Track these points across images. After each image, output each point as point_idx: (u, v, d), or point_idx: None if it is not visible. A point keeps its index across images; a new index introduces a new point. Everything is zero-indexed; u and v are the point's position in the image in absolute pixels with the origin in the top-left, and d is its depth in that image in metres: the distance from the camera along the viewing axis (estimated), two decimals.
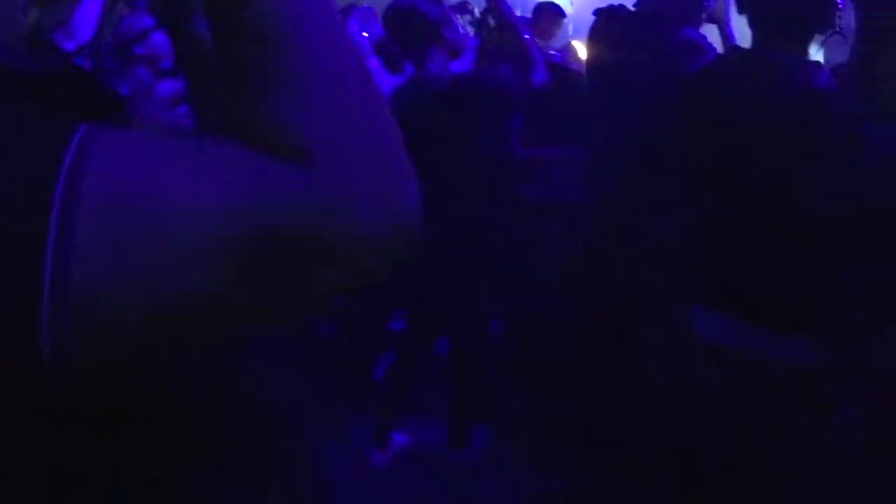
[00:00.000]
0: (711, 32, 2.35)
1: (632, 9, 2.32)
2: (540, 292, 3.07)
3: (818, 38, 1.77)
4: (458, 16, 3.29)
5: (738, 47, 2.00)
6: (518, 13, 3.36)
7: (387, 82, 2.57)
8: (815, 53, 1.91)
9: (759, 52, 1.76)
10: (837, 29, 1.76)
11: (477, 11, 3.49)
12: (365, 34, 3.13)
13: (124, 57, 1.43)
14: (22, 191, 0.40)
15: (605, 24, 2.35)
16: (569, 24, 5.22)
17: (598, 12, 2.38)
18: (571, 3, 5.66)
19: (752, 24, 1.79)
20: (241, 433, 0.64)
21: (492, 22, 2.71)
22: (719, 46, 2.30)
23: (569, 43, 4.76)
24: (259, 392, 0.71)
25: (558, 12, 4.81)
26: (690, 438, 2.04)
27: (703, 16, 2.24)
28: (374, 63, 2.59)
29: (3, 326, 0.40)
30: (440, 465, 2.88)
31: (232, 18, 0.47)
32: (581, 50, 3.80)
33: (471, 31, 3.47)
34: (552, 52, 4.17)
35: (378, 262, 0.49)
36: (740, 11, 1.83)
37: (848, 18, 1.71)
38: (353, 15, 3.40)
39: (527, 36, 2.62)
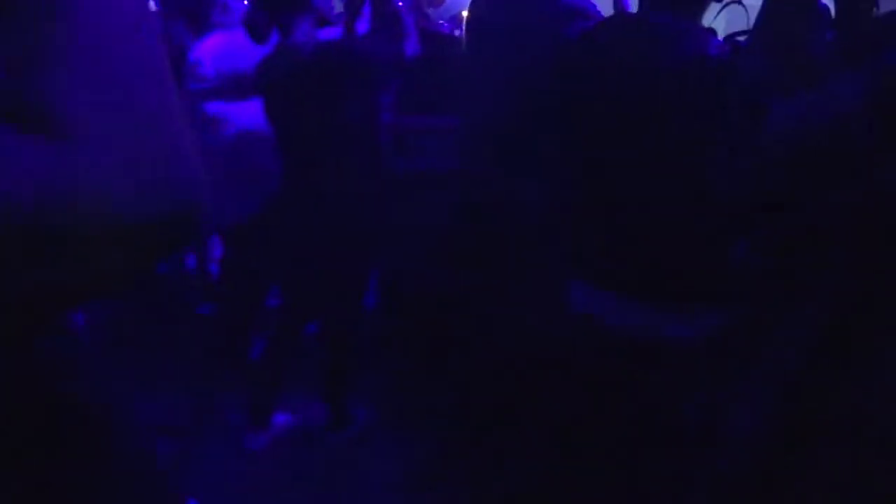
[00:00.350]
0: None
1: None
2: (415, 265, 3.04)
3: (714, 6, 1.71)
4: None
5: (624, 12, 1.93)
6: None
7: (253, 54, 2.46)
8: (713, 21, 1.84)
9: (645, 16, 1.70)
10: None
11: None
12: None
13: None
14: None
15: None
16: None
17: None
18: None
19: None
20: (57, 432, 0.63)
21: None
22: None
23: (459, 13, 4.70)
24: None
25: None
26: (564, 408, 2.04)
27: None
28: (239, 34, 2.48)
29: None
30: (319, 447, 2.83)
31: None
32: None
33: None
34: (441, 22, 4.10)
35: (144, 249, 0.46)
36: None
37: None
38: None
39: (400, 4, 2.54)
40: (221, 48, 2.66)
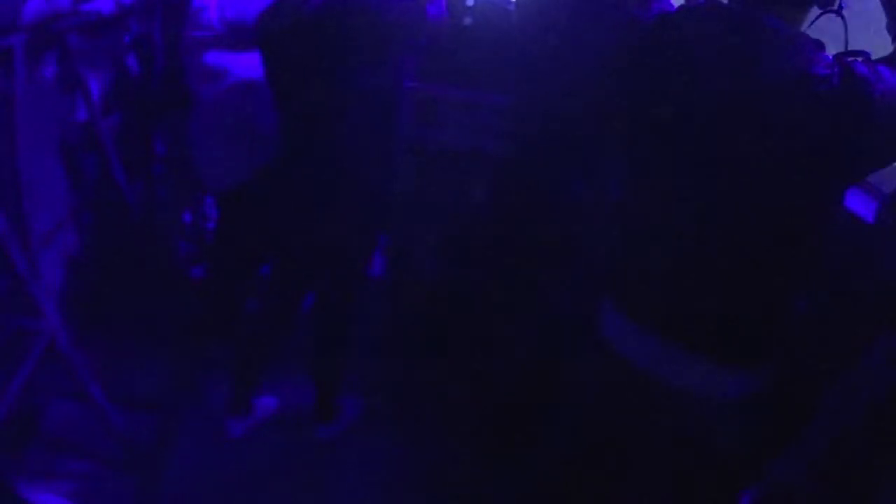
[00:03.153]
0: None
1: None
2: (426, 247, 2.78)
3: (813, 12, 1.41)
4: None
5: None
6: None
7: (263, 2, 2.18)
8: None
9: (742, 11, 1.37)
10: (836, 7, 1.40)
11: None
12: None
13: None
14: None
15: None
16: None
17: None
18: None
19: None
20: None
21: None
22: None
23: None
24: None
25: None
26: (565, 431, 1.82)
27: None
28: None
29: None
30: (302, 437, 2.62)
31: None
32: None
33: None
34: None
35: None
36: None
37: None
38: None
39: None
40: None
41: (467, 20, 2.84)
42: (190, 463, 2.46)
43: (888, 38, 1.46)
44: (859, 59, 1.35)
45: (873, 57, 1.39)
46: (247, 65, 2.33)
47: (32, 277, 2.24)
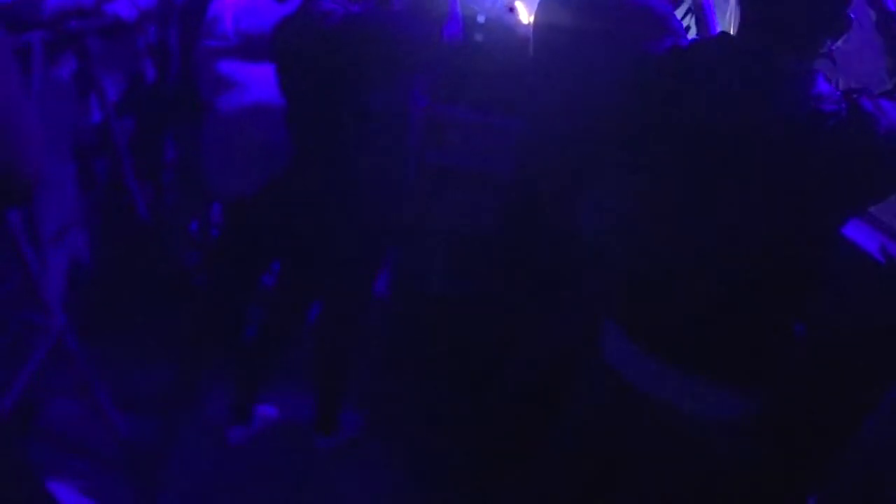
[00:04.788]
0: None
1: None
2: (431, 265, 2.81)
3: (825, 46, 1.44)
4: None
5: (726, 35, 1.54)
6: None
7: (278, 13, 2.21)
8: None
9: (752, 48, 1.40)
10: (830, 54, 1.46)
11: None
12: None
13: None
14: None
15: None
16: None
17: None
18: None
19: (747, 17, 1.43)
20: None
21: None
22: None
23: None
24: None
25: None
26: (567, 446, 1.84)
27: None
28: None
29: None
30: (300, 450, 2.63)
31: None
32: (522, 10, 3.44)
33: None
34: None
35: None
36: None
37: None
38: None
39: None
40: (243, 4, 2.41)
41: (478, 37, 2.88)
42: (188, 467, 2.47)
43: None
44: (863, 94, 1.39)
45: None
46: (261, 77, 2.35)
47: (41, 276, 2.26)
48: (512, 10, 3.56)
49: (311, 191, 2.24)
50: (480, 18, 2.88)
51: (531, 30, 2.30)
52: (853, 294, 1.86)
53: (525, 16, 2.92)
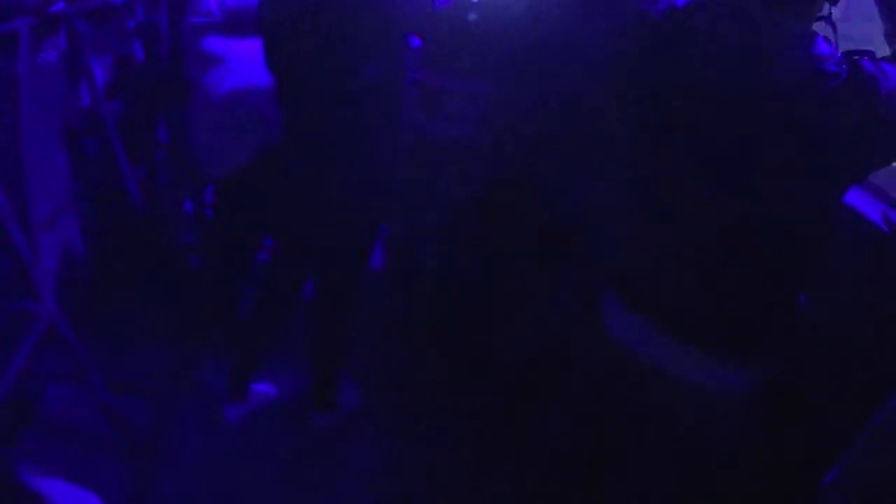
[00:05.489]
0: None
1: None
2: (426, 237, 2.77)
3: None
4: None
5: None
6: None
7: None
8: None
9: (754, 5, 1.36)
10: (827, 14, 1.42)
11: None
12: None
13: None
14: None
15: None
16: None
17: None
18: None
19: None
20: None
21: None
22: None
23: None
24: None
25: None
26: (567, 424, 1.82)
27: None
28: None
29: None
30: (297, 429, 2.62)
31: None
32: None
33: None
34: None
35: None
36: None
37: None
38: None
39: None
40: None
41: (472, 16, 2.82)
42: (187, 448, 2.47)
43: None
44: (865, 57, 1.35)
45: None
46: (246, 51, 2.31)
47: (33, 261, 2.24)
48: None
49: (303, 166, 2.21)
50: None
51: None
52: (856, 262, 1.83)
53: None
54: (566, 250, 2.22)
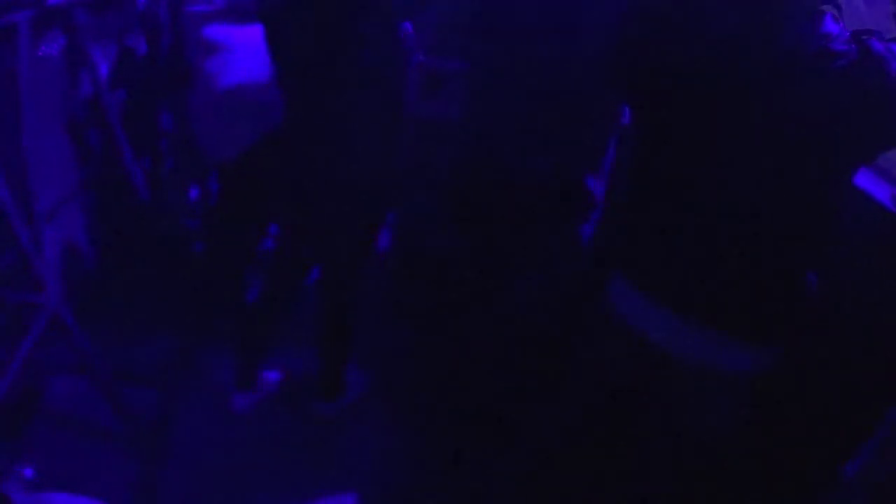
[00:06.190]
0: None
1: None
2: (431, 220, 2.75)
3: None
4: None
5: None
6: None
7: None
8: None
9: None
10: None
11: None
12: None
13: None
14: None
15: None
16: None
17: None
18: None
19: None
20: None
21: None
22: None
23: None
24: None
25: None
26: (569, 401, 1.81)
27: None
28: None
29: None
30: (304, 414, 2.62)
31: None
32: None
33: None
34: None
35: None
36: None
37: None
38: None
39: None
40: None
41: None
42: (194, 438, 2.46)
43: None
44: (874, 37, 1.33)
45: None
46: (247, 39, 2.31)
47: (36, 252, 2.23)
48: None
49: (304, 152, 2.19)
50: None
51: None
52: (865, 243, 1.81)
53: None
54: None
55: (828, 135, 1.31)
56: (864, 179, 1.97)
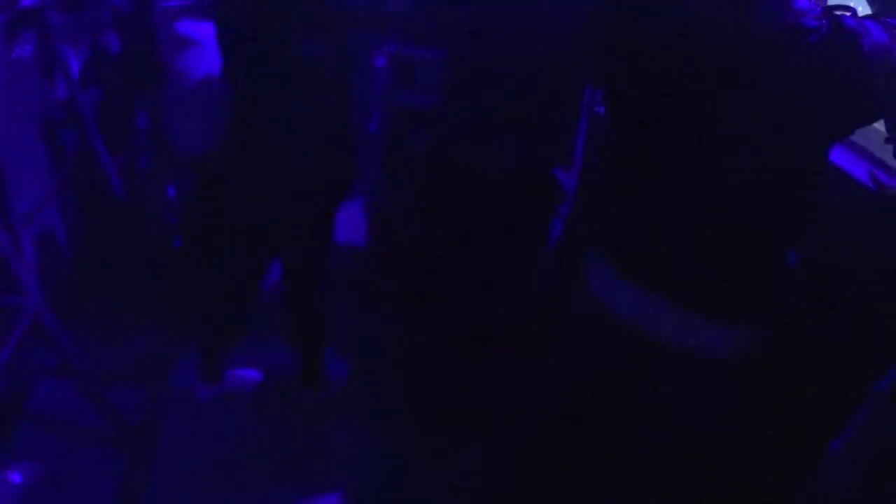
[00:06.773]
0: None
1: None
2: (404, 209, 2.75)
3: None
4: None
5: None
6: None
7: None
8: None
9: None
10: None
11: None
12: None
13: None
14: None
15: None
16: None
17: None
18: None
19: None
20: None
21: None
22: None
23: None
24: None
25: None
26: (550, 385, 1.81)
27: None
28: None
29: None
30: (284, 408, 2.61)
31: None
32: None
33: None
34: None
35: None
36: None
37: None
38: None
39: None
40: None
41: None
42: (180, 435, 2.45)
43: None
44: (847, 13, 1.33)
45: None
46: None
47: (15, 255, 2.21)
48: None
49: (253, 144, 2.17)
50: None
51: None
52: (844, 220, 1.82)
53: None
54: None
55: (802, 110, 1.31)
56: (843, 158, 1.98)
